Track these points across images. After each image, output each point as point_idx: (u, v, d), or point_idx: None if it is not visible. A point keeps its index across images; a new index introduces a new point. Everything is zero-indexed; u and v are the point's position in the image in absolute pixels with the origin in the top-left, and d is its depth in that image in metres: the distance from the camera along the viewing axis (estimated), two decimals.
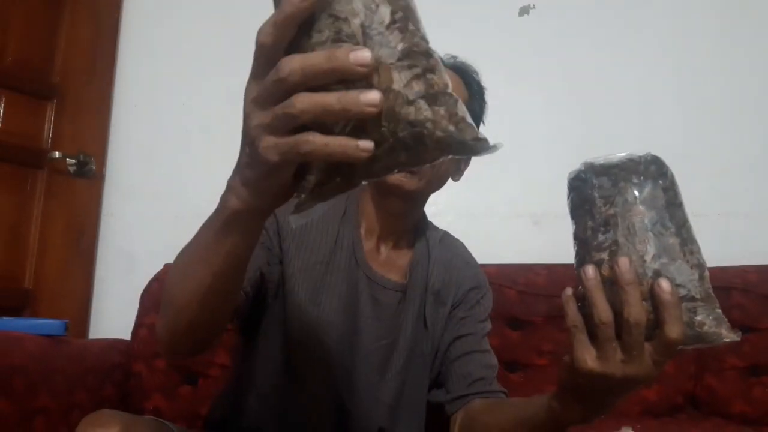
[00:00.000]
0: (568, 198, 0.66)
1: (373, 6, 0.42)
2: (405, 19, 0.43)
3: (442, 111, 0.42)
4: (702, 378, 1.43)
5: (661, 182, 0.61)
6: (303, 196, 0.48)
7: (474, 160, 1.11)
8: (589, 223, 0.62)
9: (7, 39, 1.78)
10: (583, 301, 0.61)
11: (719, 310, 0.59)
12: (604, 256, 0.60)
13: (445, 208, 1.63)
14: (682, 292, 0.58)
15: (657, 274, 0.58)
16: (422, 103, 0.42)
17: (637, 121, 1.73)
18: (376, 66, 0.41)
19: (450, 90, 0.43)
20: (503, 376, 1.04)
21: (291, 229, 0.97)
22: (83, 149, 1.87)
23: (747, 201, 1.64)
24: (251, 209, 0.51)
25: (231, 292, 0.64)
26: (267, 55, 0.44)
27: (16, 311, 1.73)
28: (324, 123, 0.43)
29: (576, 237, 0.65)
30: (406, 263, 1.04)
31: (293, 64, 0.42)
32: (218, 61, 1.92)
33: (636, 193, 0.61)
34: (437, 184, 1.00)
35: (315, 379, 0.96)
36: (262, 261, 0.94)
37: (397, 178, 0.93)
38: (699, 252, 0.61)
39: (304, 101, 0.42)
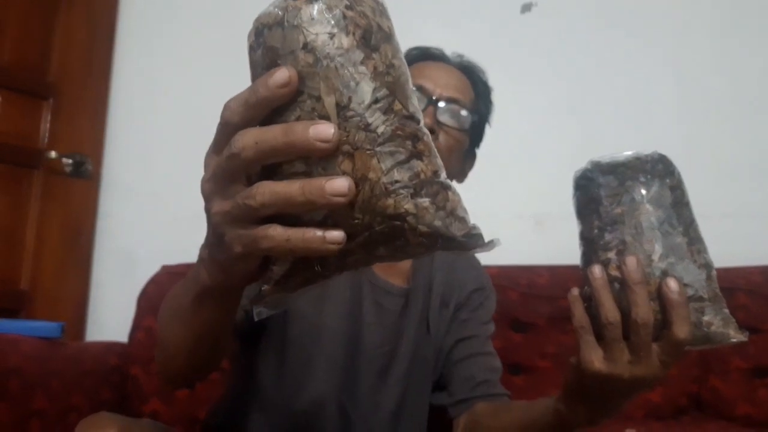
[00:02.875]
0: (573, 197, 0.66)
1: (352, 83, 0.37)
2: (390, 97, 0.37)
3: (426, 203, 0.37)
4: (706, 380, 1.43)
5: (668, 181, 0.61)
6: (266, 287, 0.43)
7: (476, 160, 1.10)
8: (596, 223, 0.62)
9: (3, 38, 1.77)
10: (589, 301, 0.60)
11: (726, 310, 0.59)
12: (611, 255, 0.60)
13: None
14: (690, 292, 0.57)
15: (664, 273, 0.58)
16: (402, 195, 0.37)
17: (640, 120, 1.72)
18: (352, 152, 0.36)
19: (442, 178, 0.39)
20: (506, 379, 1.04)
21: None
22: (80, 149, 1.85)
23: (751, 202, 1.64)
24: (222, 286, 0.49)
25: (219, 345, 0.64)
26: (230, 134, 0.40)
27: (12, 313, 1.71)
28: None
29: (582, 236, 0.64)
30: (409, 267, 1.03)
31: (246, 138, 0.38)
32: (216, 60, 1.91)
33: (643, 191, 0.60)
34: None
35: (316, 385, 0.95)
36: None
37: None
38: (706, 251, 0.60)
39: (265, 193, 0.38)
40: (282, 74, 0.37)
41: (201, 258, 0.49)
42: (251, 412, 0.97)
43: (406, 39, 1.05)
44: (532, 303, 1.46)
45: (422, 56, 1.05)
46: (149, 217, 1.89)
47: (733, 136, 1.68)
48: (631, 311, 0.57)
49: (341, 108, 0.37)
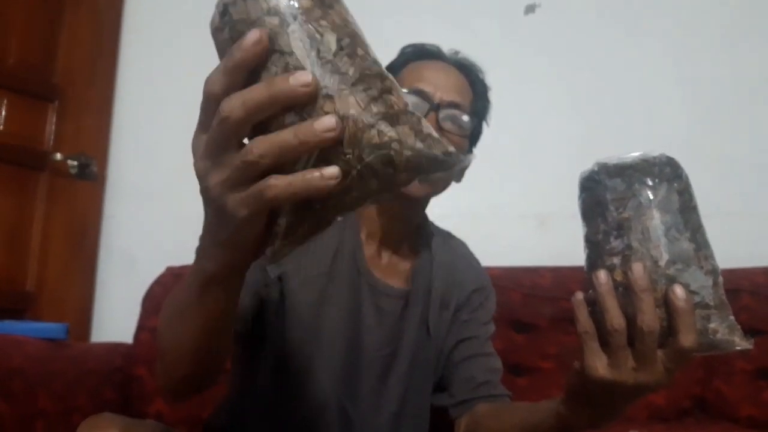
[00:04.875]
0: (579, 198, 0.65)
1: (318, 36, 0.41)
2: (352, 45, 0.42)
3: (406, 129, 0.41)
4: (710, 382, 1.42)
5: (675, 185, 0.60)
6: (276, 243, 0.46)
7: (478, 160, 1.09)
8: (602, 226, 0.61)
9: (8, 40, 1.78)
10: (593, 305, 0.59)
11: (732, 318, 0.59)
12: (617, 260, 0.59)
13: (449, 209, 1.61)
14: (696, 299, 0.57)
15: (671, 280, 0.57)
16: (384, 125, 0.41)
17: (644, 120, 1.71)
18: (331, 95, 0.40)
19: (411, 109, 0.42)
20: (508, 380, 1.03)
21: None
22: (85, 151, 1.86)
23: (755, 201, 1.63)
24: (228, 268, 0.49)
25: (222, 343, 0.64)
26: (215, 106, 0.41)
27: (17, 314, 1.72)
28: (285, 164, 0.41)
29: (587, 239, 0.63)
30: (409, 268, 1.02)
31: (233, 102, 0.40)
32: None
33: (650, 196, 0.59)
34: (443, 186, 0.99)
35: (317, 389, 0.95)
36: (260, 284, 0.92)
37: None
38: (713, 257, 0.60)
39: (261, 145, 0.40)
40: (253, 34, 0.39)
41: (201, 248, 0.50)
42: (253, 414, 0.97)
43: (408, 39, 1.06)
44: (535, 304, 1.45)
45: (418, 54, 1.02)
46: (154, 218, 1.89)
47: (737, 135, 1.67)
48: (637, 318, 0.56)
49: (312, 58, 0.41)
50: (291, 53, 0.40)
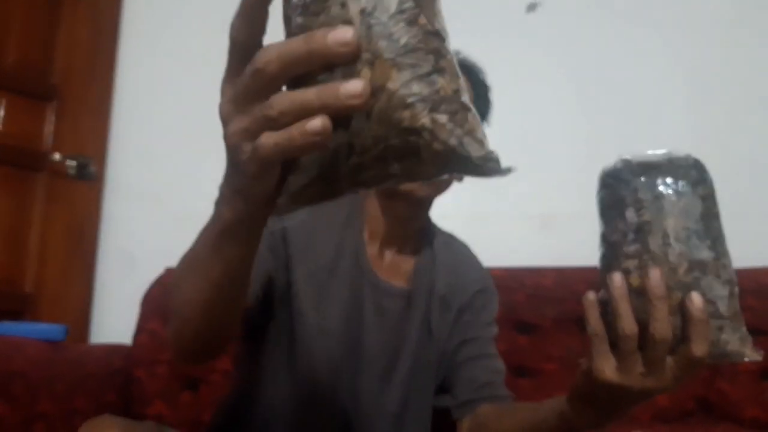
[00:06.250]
0: (598, 194, 0.63)
1: None
2: (416, 9, 0.37)
3: (443, 119, 0.36)
4: (714, 382, 1.41)
5: (700, 189, 0.59)
6: (284, 197, 0.44)
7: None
8: (620, 227, 0.59)
9: (6, 40, 1.77)
10: (605, 306, 0.58)
11: (744, 329, 0.58)
12: (634, 264, 0.58)
13: (452, 210, 1.60)
14: (711, 308, 0.56)
15: (688, 288, 0.56)
16: (420, 108, 0.36)
17: (647, 119, 1.70)
18: (372, 60, 0.36)
19: (463, 98, 0.38)
20: (511, 382, 1.03)
21: (297, 235, 0.95)
22: (83, 151, 1.85)
23: (761, 201, 1.62)
24: (245, 218, 0.48)
25: (235, 301, 0.62)
26: (241, 51, 0.40)
27: (16, 315, 1.71)
28: None
29: (604, 238, 0.62)
30: (411, 268, 1.02)
31: (270, 53, 0.38)
32: (219, 61, 1.90)
33: (673, 199, 0.58)
34: (445, 186, 0.99)
35: (319, 388, 0.94)
36: (271, 265, 0.92)
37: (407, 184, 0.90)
38: (731, 266, 0.58)
39: (283, 102, 0.37)
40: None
41: (221, 194, 0.48)
42: (255, 415, 0.97)
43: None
44: (538, 305, 1.45)
45: None
46: (153, 219, 1.88)
47: (743, 134, 1.66)
48: (650, 325, 0.55)
49: (365, 14, 0.36)
50: (344, 4, 0.37)
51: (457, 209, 1.64)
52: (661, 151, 0.60)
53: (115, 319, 1.82)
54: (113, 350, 1.52)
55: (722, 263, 0.57)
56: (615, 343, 0.58)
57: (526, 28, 1.80)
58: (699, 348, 0.55)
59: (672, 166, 0.58)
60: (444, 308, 1.02)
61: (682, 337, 0.56)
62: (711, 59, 1.71)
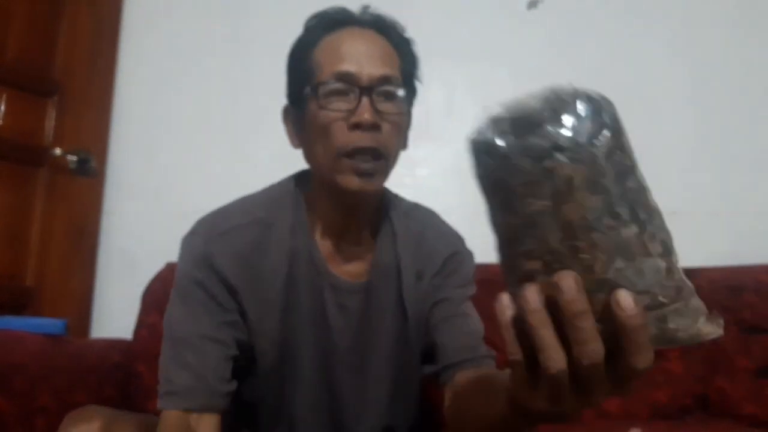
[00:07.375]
0: (473, 169, 0.47)
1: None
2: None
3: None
4: (712, 379, 1.41)
5: (602, 140, 0.42)
6: None
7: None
8: (510, 219, 0.44)
9: (7, 36, 1.77)
10: (522, 324, 0.44)
11: (695, 301, 0.45)
12: (537, 266, 0.44)
13: (450, 206, 1.61)
14: (646, 300, 0.43)
15: (610, 285, 0.42)
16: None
17: (647, 117, 1.70)
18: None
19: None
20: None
21: (239, 277, 0.89)
22: (84, 146, 1.85)
23: (761, 199, 1.62)
24: None
25: None
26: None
27: (17, 309, 1.72)
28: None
29: (495, 229, 0.47)
30: (368, 258, 0.97)
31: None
32: (220, 57, 1.91)
33: (569, 172, 0.41)
34: (393, 163, 0.92)
35: (299, 398, 0.95)
36: (231, 341, 0.89)
37: (356, 183, 0.85)
38: (662, 228, 0.44)
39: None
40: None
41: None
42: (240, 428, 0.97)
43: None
44: None
45: (328, 26, 0.90)
46: (154, 214, 1.88)
47: (744, 131, 1.66)
48: (574, 350, 0.43)
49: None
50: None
51: (460, 205, 1.64)
52: (541, 90, 0.44)
53: (115, 313, 1.82)
54: (114, 345, 1.52)
55: (650, 233, 0.43)
56: (540, 373, 0.45)
57: (527, 25, 1.80)
58: (639, 360, 0.43)
59: (554, 114, 0.42)
60: (417, 280, 0.97)
61: (618, 349, 0.43)
62: (713, 56, 1.71)
